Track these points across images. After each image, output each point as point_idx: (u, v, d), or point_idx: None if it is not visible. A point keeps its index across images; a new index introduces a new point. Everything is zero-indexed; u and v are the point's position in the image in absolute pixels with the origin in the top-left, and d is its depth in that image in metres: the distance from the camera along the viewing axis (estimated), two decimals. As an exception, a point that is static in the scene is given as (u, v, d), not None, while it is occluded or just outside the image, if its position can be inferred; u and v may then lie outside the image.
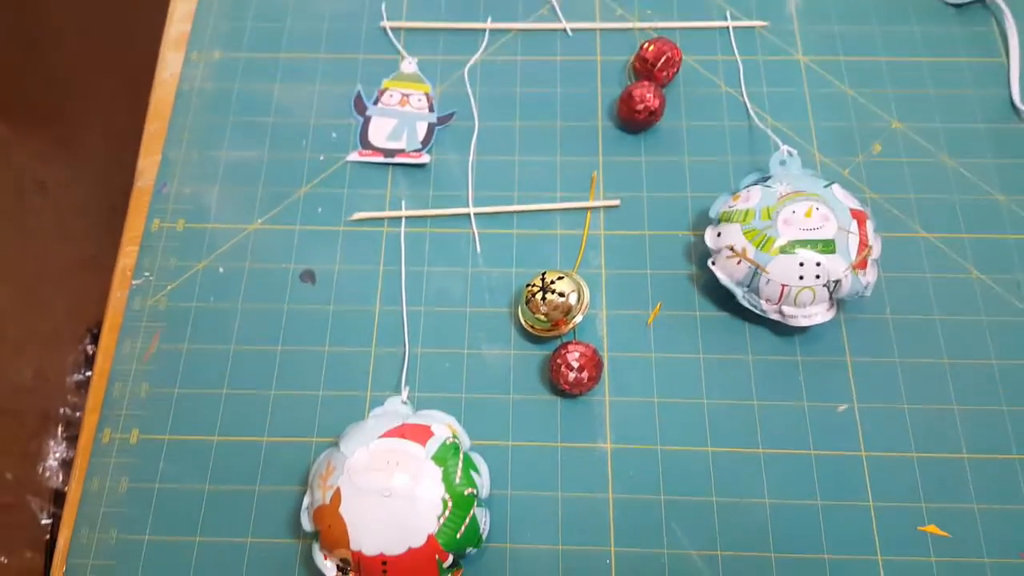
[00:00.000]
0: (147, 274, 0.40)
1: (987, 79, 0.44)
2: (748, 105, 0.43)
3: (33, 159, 1.15)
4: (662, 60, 0.42)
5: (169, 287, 0.39)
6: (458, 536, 0.30)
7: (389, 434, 0.31)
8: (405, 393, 0.35)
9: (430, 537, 0.30)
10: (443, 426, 0.32)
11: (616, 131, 0.43)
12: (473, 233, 0.40)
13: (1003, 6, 0.45)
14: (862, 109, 0.43)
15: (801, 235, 0.34)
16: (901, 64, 0.44)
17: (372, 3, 0.47)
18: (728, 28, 0.45)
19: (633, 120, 0.41)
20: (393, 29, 0.46)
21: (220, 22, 0.46)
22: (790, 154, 0.38)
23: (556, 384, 0.35)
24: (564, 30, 0.45)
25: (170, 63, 0.46)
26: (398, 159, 0.42)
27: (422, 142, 0.42)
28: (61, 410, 0.79)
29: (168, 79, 0.45)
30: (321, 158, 0.42)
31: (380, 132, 0.43)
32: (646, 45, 0.43)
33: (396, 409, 0.33)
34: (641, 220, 0.40)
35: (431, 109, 0.44)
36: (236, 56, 0.45)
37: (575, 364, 0.34)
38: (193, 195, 0.41)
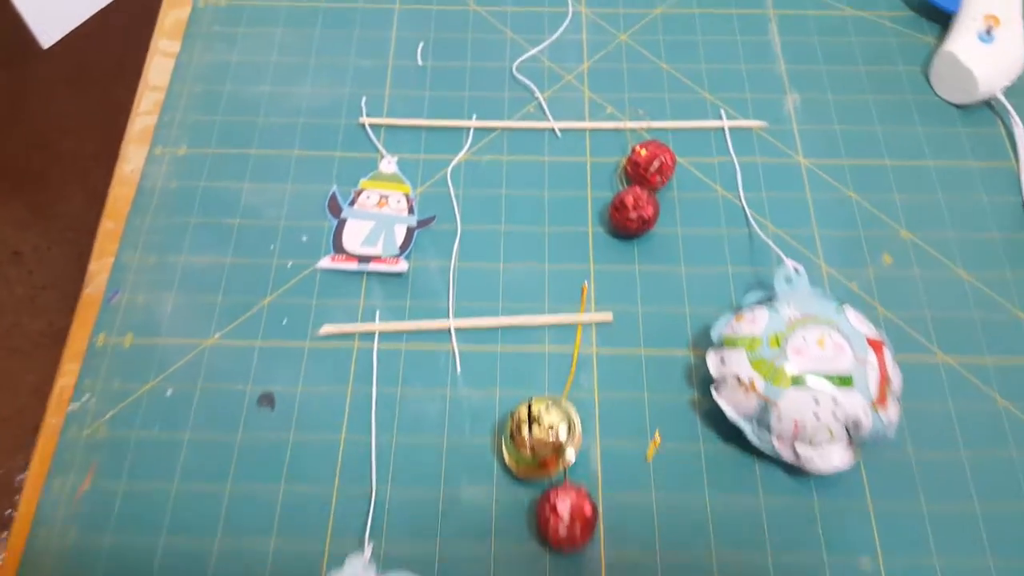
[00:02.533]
0: (87, 396, 0.35)
1: (998, 184, 0.41)
2: (747, 211, 0.41)
3: (9, 226, 1.12)
4: (655, 165, 0.40)
5: (110, 413, 0.35)
6: None
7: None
8: (368, 551, 0.31)
9: None
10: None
11: (608, 237, 0.40)
12: (453, 350, 0.37)
13: (1009, 107, 0.43)
14: (868, 216, 0.41)
15: (814, 367, 0.31)
16: (907, 168, 0.42)
17: (351, 98, 0.44)
18: (724, 129, 0.43)
19: (626, 228, 0.39)
20: (372, 126, 0.43)
21: (188, 115, 0.44)
22: (796, 271, 0.36)
23: (544, 538, 0.31)
24: (552, 130, 0.44)
25: (132, 157, 0.43)
26: (373, 266, 0.39)
27: (400, 247, 0.39)
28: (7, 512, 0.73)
29: (129, 175, 0.42)
30: (289, 264, 0.39)
31: (355, 236, 0.40)
32: (638, 148, 0.40)
33: (356, 574, 0.28)
34: (636, 336, 0.37)
35: (411, 211, 0.41)
36: (204, 152, 0.42)
37: (564, 516, 0.30)
38: (145, 305, 0.38)
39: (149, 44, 0.47)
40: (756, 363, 0.31)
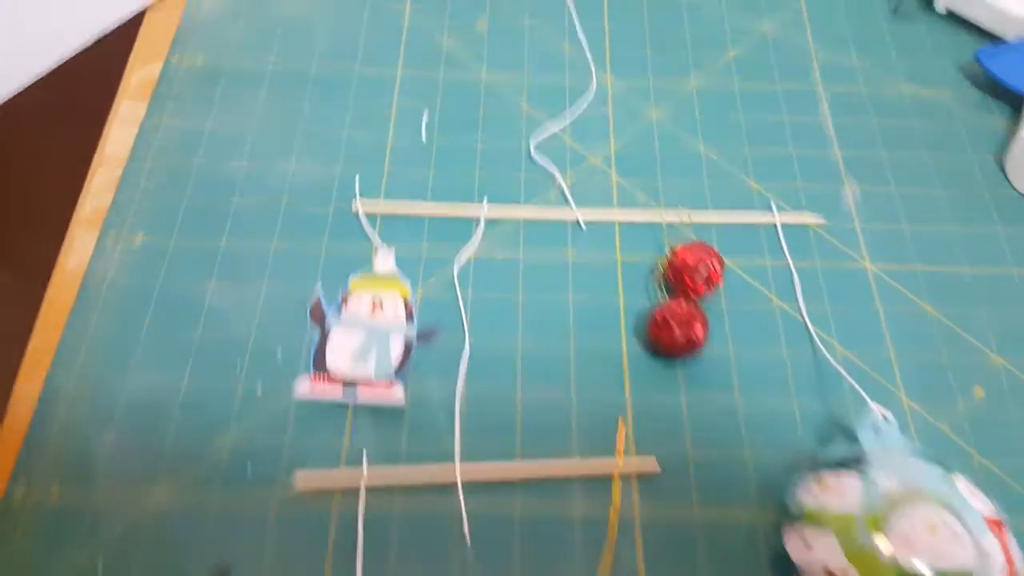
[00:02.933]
0: (-8, 567, 0.29)
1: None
2: (810, 327, 0.34)
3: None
4: (701, 273, 0.34)
5: (19, 595, 0.28)
6: None
7: None
8: None
9: None
10: None
11: (645, 356, 0.33)
12: (461, 511, 0.29)
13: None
14: (950, 335, 0.34)
15: (927, 560, 0.25)
16: (989, 277, 0.36)
17: (343, 179, 0.38)
18: (776, 224, 0.38)
19: (670, 350, 0.32)
20: (367, 213, 0.37)
21: (150, 196, 0.37)
22: (885, 419, 0.30)
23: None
24: (576, 220, 0.38)
25: (78, 247, 0.35)
26: (363, 395, 0.31)
27: (396, 368, 0.33)
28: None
29: (73, 269, 0.35)
30: (259, 389, 0.32)
31: (342, 351, 0.33)
32: (680, 251, 0.34)
33: None
34: (687, 491, 0.30)
35: (410, 318, 0.34)
36: (164, 242, 0.35)
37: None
38: (77, 449, 0.30)
39: (110, 108, 0.41)
40: (852, 553, 0.25)
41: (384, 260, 0.35)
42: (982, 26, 0.44)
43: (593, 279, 0.35)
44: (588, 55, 0.43)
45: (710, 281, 0.34)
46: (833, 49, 0.44)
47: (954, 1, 0.44)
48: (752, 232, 0.37)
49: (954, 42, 0.45)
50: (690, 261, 0.34)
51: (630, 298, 0.35)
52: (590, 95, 0.41)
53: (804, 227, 0.37)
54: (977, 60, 0.42)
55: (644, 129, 0.41)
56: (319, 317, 0.34)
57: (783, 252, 0.36)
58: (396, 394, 0.32)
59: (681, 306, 0.33)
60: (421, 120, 0.40)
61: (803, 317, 0.34)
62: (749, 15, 0.46)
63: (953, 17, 0.45)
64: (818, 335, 0.34)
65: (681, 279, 0.34)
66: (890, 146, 0.40)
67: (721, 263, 0.34)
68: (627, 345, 0.34)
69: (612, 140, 0.40)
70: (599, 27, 0.45)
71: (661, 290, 0.35)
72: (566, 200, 0.38)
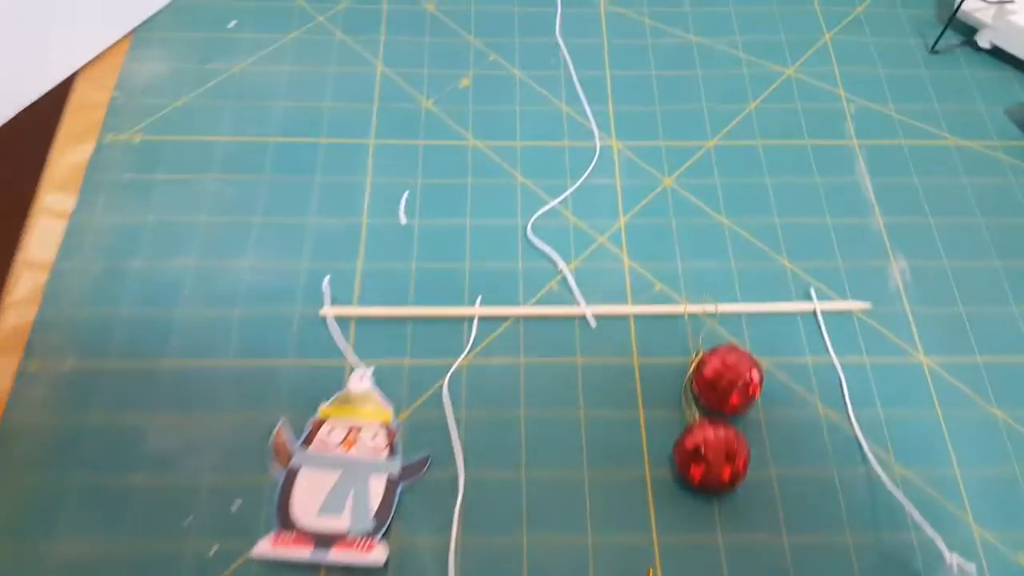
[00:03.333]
0: None
1: None
2: (861, 441, 0.29)
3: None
4: (736, 384, 0.28)
5: None
6: None
7: None
8: None
9: None
10: None
11: (673, 486, 0.28)
12: None
13: None
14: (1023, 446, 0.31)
15: None
16: (1064, 370, 0.32)
17: (309, 277, 0.32)
18: (816, 313, 0.32)
19: (705, 485, 0.27)
20: (339, 318, 0.32)
21: (80, 307, 0.31)
22: (961, 570, 0.25)
23: None
24: (584, 317, 0.33)
25: (-5, 374, 0.31)
26: (335, 556, 0.26)
27: (375, 516, 0.27)
28: None
29: (-12, 402, 0.30)
30: (212, 551, 0.26)
31: (310, 498, 0.27)
32: (707, 359, 0.29)
33: None
34: (730, 665, 0.26)
35: (392, 451, 0.28)
36: (96, 366, 0.30)
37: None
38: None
39: (32, 200, 0.34)
40: None
41: (360, 380, 0.30)
42: (1031, 63, 0.40)
43: (607, 388, 0.30)
44: (588, 112, 0.38)
45: (746, 394, 0.29)
46: (867, 97, 0.39)
47: (1000, 35, 0.39)
48: (789, 323, 0.32)
49: (1002, 83, 0.40)
50: (723, 372, 0.29)
51: (652, 410, 0.30)
52: (594, 160, 0.36)
53: (848, 315, 0.32)
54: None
55: (658, 200, 0.35)
56: (283, 455, 0.28)
57: (826, 346, 0.31)
58: (376, 555, 0.26)
59: (717, 432, 0.27)
60: (400, 201, 0.35)
61: (853, 428, 0.29)
62: (770, 60, 0.40)
63: (999, 54, 0.40)
64: (872, 451, 0.29)
65: (712, 393, 0.29)
66: (938, 210, 0.35)
67: (759, 371, 0.29)
68: (651, 472, 0.28)
69: (621, 213, 0.35)
70: (600, 78, 0.39)
71: (689, 402, 0.30)
72: (571, 292, 0.33)
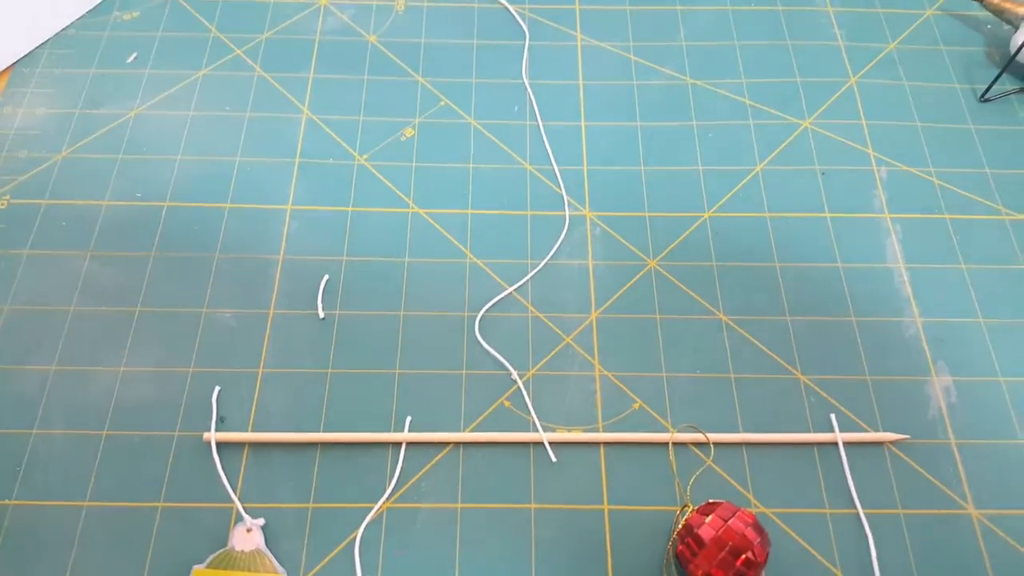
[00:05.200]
0: None
1: None
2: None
3: None
4: (741, 558, 0.21)
5: None
6: None
7: None
8: None
9: None
10: None
11: None
12: None
13: None
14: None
15: None
16: None
17: (194, 393, 0.25)
18: (838, 445, 0.25)
19: None
20: (227, 444, 0.25)
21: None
22: None
23: None
24: (543, 445, 0.26)
25: None
26: None
27: None
28: None
29: None
30: None
31: None
32: (694, 520, 0.22)
33: None
34: None
35: (283, 632, 0.23)
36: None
37: None
38: None
39: None
40: None
41: (246, 535, 0.23)
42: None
43: (570, 546, 0.23)
44: (558, 173, 0.31)
45: (749, 567, 0.22)
46: (901, 158, 0.31)
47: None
48: (804, 458, 0.25)
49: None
50: (717, 527, 0.22)
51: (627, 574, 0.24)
52: (561, 235, 0.29)
53: (878, 447, 0.26)
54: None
55: (641, 287, 0.28)
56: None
57: (849, 491, 0.24)
58: None
59: (703, 632, 0.21)
60: (319, 287, 0.28)
61: (886, 614, 0.23)
62: (782, 109, 0.33)
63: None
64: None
65: (702, 565, 0.22)
66: (992, 310, 0.28)
67: (762, 539, 0.22)
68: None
69: (594, 305, 0.28)
70: (574, 129, 0.32)
71: (671, 573, 0.24)
72: (526, 412, 0.26)
